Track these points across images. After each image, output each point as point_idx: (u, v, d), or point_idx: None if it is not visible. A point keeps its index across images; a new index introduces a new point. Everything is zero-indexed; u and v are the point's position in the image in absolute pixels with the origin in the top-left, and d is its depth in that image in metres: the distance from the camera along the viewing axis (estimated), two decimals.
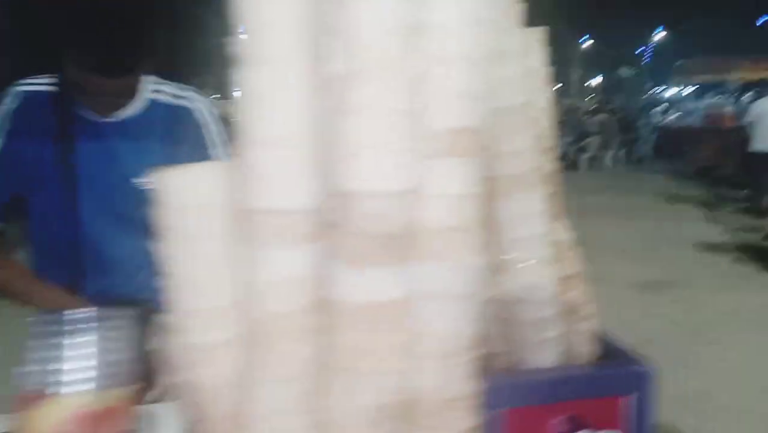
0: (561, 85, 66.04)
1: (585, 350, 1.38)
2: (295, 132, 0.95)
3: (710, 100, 17.40)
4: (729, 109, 14.06)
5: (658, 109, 15.63)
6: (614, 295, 5.71)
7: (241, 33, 0.94)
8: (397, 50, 0.93)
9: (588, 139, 15.74)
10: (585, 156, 15.57)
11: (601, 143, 15.86)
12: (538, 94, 1.36)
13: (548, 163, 1.36)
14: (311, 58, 0.94)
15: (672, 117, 13.83)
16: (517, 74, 1.26)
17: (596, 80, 62.02)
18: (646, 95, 29.36)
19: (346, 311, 0.94)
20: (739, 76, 15.76)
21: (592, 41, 54.95)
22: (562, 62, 56.43)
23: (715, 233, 8.14)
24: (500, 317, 1.33)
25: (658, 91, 28.71)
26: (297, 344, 0.97)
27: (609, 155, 15.88)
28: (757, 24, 53.55)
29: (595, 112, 20.70)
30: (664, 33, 51.06)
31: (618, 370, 1.31)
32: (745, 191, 10.81)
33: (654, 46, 52.95)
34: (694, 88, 21.34)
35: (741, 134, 11.99)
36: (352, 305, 0.93)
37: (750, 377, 4.05)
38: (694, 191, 11.70)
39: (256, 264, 0.95)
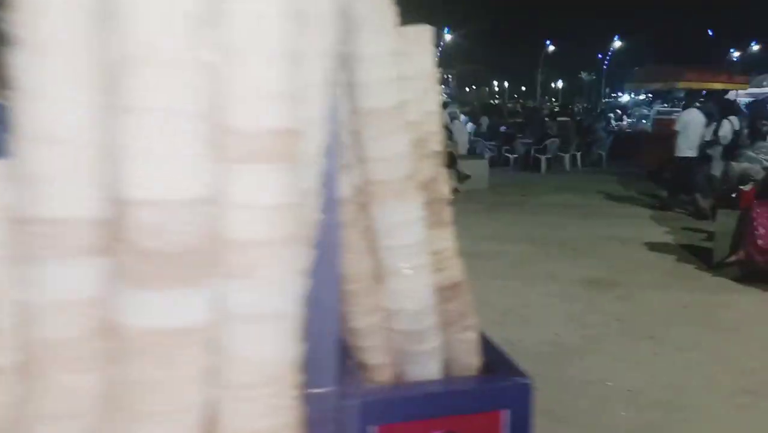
0: (525, 88, 66.52)
1: (467, 361, 1.31)
2: (74, 129, 0.80)
3: (659, 107, 17.74)
4: (676, 116, 14.34)
5: (612, 114, 15.90)
6: (563, 291, 5.85)
7: (17, 17, 0.78)
8: (185, 41, 0.78)
9: (547, 141, 15.93)
10: (545, 157, 15.76)
11: (561, 145, 16.07)
12: (421, 96, 1.28)
13: (430, 169, 1.28)
14: (92, 48, 0.79)
15: (626, 122, 14.09)
16: (387, 76, 1.16)
17: (559, 84, 62.72)
18: (605, 100, 29.78)
19: (131, 339, 0.78)
20: (685, 85, 16.09)
21: (554, 47, 55.47)
22: (528, 66, 57.03)
23: (661, 233, 8.33)
24: (378, 327, 1.25)
25: (615, 96, 29.13)
26: (79, 376, 0.80)
27: (567, 157, 16.09)
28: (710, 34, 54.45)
29: (555, 115, 20.95)
30: (620, 42, 51.73)
31: (497, 383, 1.25)
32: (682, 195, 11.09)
33: (612, 53, 53.60)
34: (646, 95, 21.73)
35: None
36: (137, 332, 0.78)
37: (685, 373, 4.15)
38: (643, 194, 11.94)
39: (30, 281, 0.78)
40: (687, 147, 9.38)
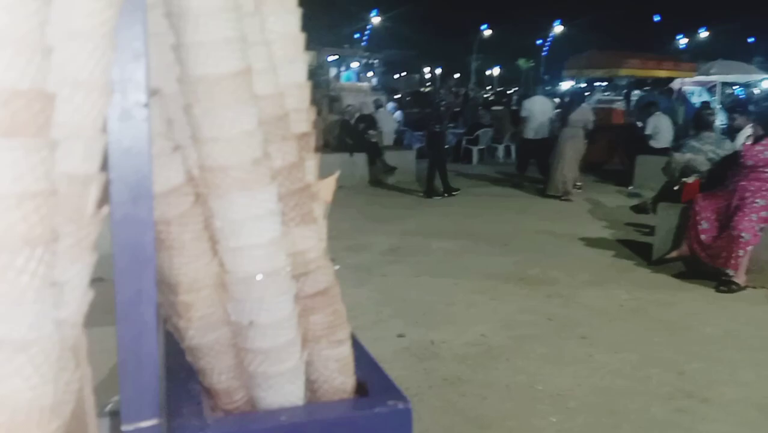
0: (458, 75, 67.33)
1: (338, 383, 1.20)
2: None
3: (600, 96, 18.23)
4: (618, 105, 14.78)
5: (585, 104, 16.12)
6: (492, 289, 5.87)
7: None
8: None
9: (480, 132, 16.12)
10: (477, 148, 15.94)
11: (495, 136, 16.29)
12: (281, 65, 1.16)
13: (291, 154, 1.16)
14: None
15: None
16: (223, 35, 1.04)
17: (495, 71, 63.71)
18: (543, 88, 30.33)
19: None
20: (628, 72, 16.57)
21: (491, 31, 56.36)
22: (462, 52, 57.71)
23: (599, 228, 8.51)
24: (223, 345, 1.14)
25: (555, 84, 29.78)
26: None
27: (501, 148, 16.33)
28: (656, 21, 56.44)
29: (489, 103, 21.27)
30: (562, 27, 53.06)
31: (370, 409, 1.14)
32: (630, 187, 11.43)
33: (552, 39, 54.87)
34: (586, 83, 22.31)
35: (631, 131, 12.71)
36: None
37: (618, 375, 4.20)
38: (583, 186, 12.23)
39: None
40: (532, 130, 11.72)
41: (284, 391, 1.13)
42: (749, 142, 6.26)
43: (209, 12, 1.02)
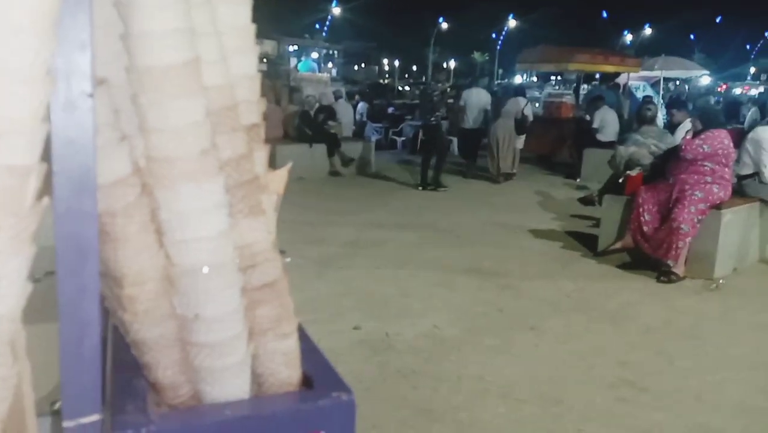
0: (416, 67, 67.36)
1: (284, 376, 1.19)
2: None
3: (551, 90, 18.41)
4: (568, 99, 14.92)
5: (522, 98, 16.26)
6: (446, 281, 5.90)
7: None
8: None
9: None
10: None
11: (450, 128, 16.31)
12: (231, 56, 1.14)
13: (240, 145, 1.14)
14: None
15: (524, 106, 14.51)
16: (171, 26, 1.02)
17: (451, 64, 63.86)
18: (497, 81, 30.55)
19: None
20: (577, 67, 16.76)
21: (448, 24, 56.47)
22: (420, 44, 57.78)
23: (549, 220, 8.62)
24: (169, 339, 1.11)
25: (510, 77, 29.98)
26: None
27: (456, 140, 16.36)
28: (604, 17, 57.15)
29: (445, 96, 21.27)
30: (515, 21, 53.41)
31: (312, 402, 1.13)
32: (578, 180, 11.59)
33: (507, 33, 55.19)
34: (538, 78, 22.53)
35: (579, 125, 12.86)
36: None
37: (565, 365, 4.25)
38: (533, 179, 12.35)
39: None
40: (471, 120, 12.28)
41: (230, 385, 1.11)
42: (689, 137, 6.36)
43: (158, 2, 1.00)
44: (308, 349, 1.25)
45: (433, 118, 11.52)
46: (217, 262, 1.07)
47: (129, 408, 1.04)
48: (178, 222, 1.05)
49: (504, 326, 4.92)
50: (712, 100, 18.34)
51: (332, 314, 4.94)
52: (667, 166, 6.43)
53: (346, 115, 14.08)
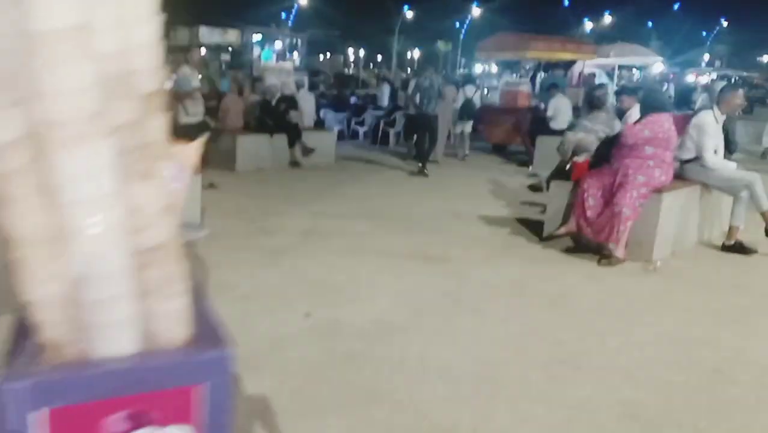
0: (381, 57, 67.01)
1: (172, 334, 1.22)
2: None
3: (508, 79, 18.59)
4: (524, 88, 15.10)
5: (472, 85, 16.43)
6: (395, 267, 6.02)
7: None
8: None
9: (397, 114, 16.25)
10: (394, 131, 16.08)
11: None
12: (126, 23, 1.15)
13: (133, 111, 1.16)
14: None
15: (474, 94, 14.69)
16: None
17: (415, 53, 63.85)
18: (460, 70, 30.70)
19: None
20: (534, 54, 16.95)
21: (413, 12, 56.37)
22: (385, 33, 57.62)
23: (499, 207, 8.80)
24: (58, 297, 1.13)
25: (470, 67, 30.10)
26: None
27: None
28: (565, 5, 57.48)
29: (406, 86, 21.33)
30: (479, 10, 53.50)
31: (192, 357, 1.17)
32: (531, 168, 11.79)
33: (470, 22, 55.24)
34: (497, 66, 22.71)
35: (534, 113, 13.06)
36: None
37: (502, 345, 4.40)
38: (487, 168, 12.55)
39: None
40: (417, 107, 11.97)
41: (117, 341, 1.14)
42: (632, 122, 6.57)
43: None
44: (202, 309, 1.29)
45: (428, 109, 11.78)
46: (106, 223, 1.10)
47: (19, 363, 1.08)
48: (68, 183, 1.07)
49: (448, 309, 5.08)
50: (665, 87, 18.66)
51: (284, 301, 5.05)
52: (611, 151, 6.61)
53: (308, 104, 14.08)
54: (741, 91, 7.35)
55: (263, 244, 6.58)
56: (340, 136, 17.53)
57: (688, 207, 6.80)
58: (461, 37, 54.90)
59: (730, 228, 6.87)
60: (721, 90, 7.47)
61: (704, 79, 30.79)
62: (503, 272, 6.04)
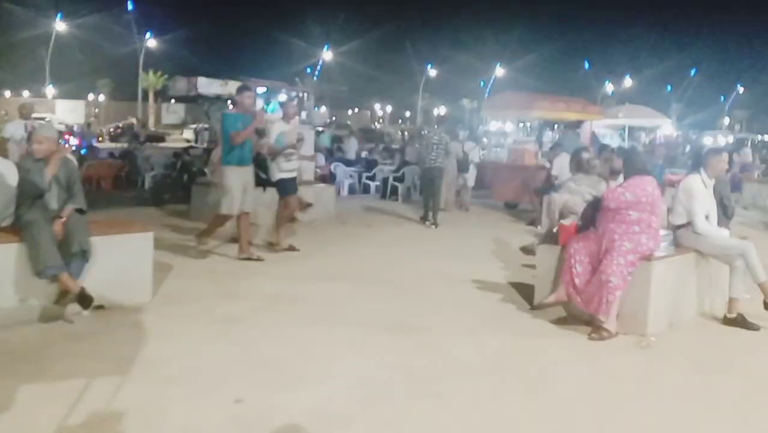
0: (409, 113, 67.50)
1: None
2: None
3: (516, 137, 18.10)
4: (531, 147, 14.63)
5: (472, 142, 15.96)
6: (362, 340, 5.31)
7: None
8: None
9: (405, 169, 15.76)
10: (403, 186, 15.57)
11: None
12: None
13: None
14: None
15: (472, 150, 14.31)
16: None
17: (442, 110, 64.12)
18: (482, 128, 30.41)
19: None
20: (539, 114, 16.46)
21: (438, 71, 56.74)
22: (411, 90, 57.91)
23: (496, 269, 8.12)
24: None
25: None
26: None
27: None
28: (587, 68, 57.47)
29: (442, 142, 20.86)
30: (502, 69, 53.68)
31: None
32: (539, 227, 11.13)
33: (494, 80, 55.41)
34: (507, 124, 22.25)
35: (542, 172, 12.51)
36: None
37: None
38: (493, 225, 11.92)
39: None
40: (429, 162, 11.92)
41: None
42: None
43: None
44: None
45: (436, 163, 11.88)
46: None
47: None
48: None
49: (407, 393, 4.37)
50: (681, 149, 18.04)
51: (216, 383, 4.37)
52: (596, 215, 5.99)
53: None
54: (725, 155, 6.67)
55: (221, 311, 5.96)
56: (351, 190, 17.14)
57: (683, 276, 6.05)
58: (486, 95, 54.95)
59: (730, 300, 6.10)
60: (706, 153, 6.82)
61: (722, 141, 29.99)
62: (483, 345, 5.35)
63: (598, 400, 4.37)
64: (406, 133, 40.38)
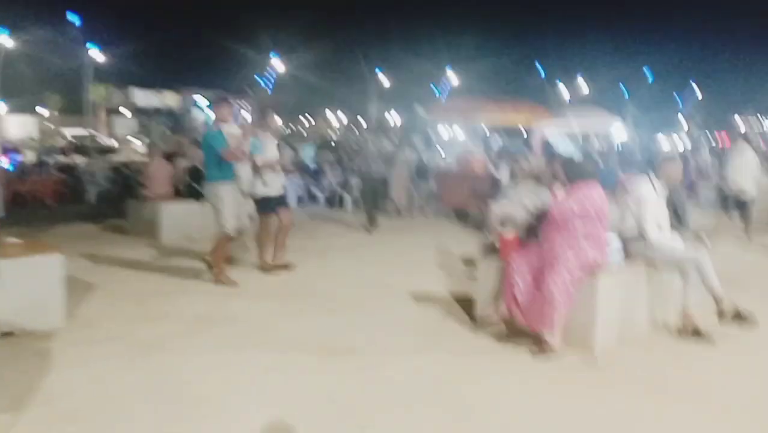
0: (365, 123, 67.18)
1: None
2: None
3: (463, 142, 17.80)
4: (478, 154, 14.35)
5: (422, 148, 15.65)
6: (291, 364, 4.89)
7: None
8: None
9: (351, 178, 15.38)
10: (349, 196, 15.16)
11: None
12: None
13: None
14: None
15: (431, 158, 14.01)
16: None
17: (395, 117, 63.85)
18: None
19: None
20: (486, 120, 16.17)
21: (390, 77, 56.47)
22: (364, 98, 57.50)
23: (439, 279, 7.73)
24: None
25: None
26: None
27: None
28: (541, 73, 57.90)
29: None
30: (458, 76, 53.59)
31: None
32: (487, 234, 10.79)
33: (450, 89, 55.34)
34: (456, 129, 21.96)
35: (490, 179, 12.22)
36: None
37: None
38: (441, 233, 11.55)
39: None
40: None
41: None
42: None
43: None
44: None
45: (376, 171, 11.86)
46: None
47: None
48: None
49: (323, 426, 3.95)
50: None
51: (119, 419, 3.89)
52: (539, 226, 5.63)
53: (245, 169, 12.98)
54: (678, 162, 6.40)
55: (139, 334, 5.46)
56: (300, 201, 16.67)
57: (634, 288, 5.67)
58: (443, 101, 54.78)
59: (684, 312, 5.75)
60: (659, 160, 6.54)
61: (678, 143, 29.92)
62: (419, 366, 4.96)
63: (535, 428, 3.99)
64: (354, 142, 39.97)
